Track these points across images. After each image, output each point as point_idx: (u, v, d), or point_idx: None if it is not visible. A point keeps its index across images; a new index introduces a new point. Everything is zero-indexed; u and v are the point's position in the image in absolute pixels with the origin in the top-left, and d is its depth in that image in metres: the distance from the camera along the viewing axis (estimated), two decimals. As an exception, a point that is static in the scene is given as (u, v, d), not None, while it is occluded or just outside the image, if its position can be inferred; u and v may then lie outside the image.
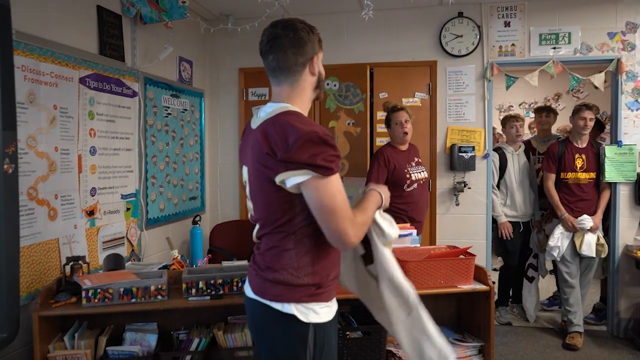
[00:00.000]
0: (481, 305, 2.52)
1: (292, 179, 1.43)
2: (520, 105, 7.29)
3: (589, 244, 3.89)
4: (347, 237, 1.44)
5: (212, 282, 2.30)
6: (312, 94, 1.64)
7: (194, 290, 2.30)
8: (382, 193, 1.69)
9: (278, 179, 1.44)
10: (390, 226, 1.72)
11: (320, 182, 1.42)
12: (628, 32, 3.97)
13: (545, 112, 4.75)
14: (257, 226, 1.61)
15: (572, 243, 3.96)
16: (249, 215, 1.66)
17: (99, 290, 2.18)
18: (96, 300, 2.19)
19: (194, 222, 3.23)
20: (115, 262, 2.56)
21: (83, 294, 2.19)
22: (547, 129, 4.76)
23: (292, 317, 1.49)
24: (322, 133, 1.44)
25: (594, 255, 3.92)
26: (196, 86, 4.38)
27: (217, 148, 4.66)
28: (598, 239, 3.93)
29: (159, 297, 2.25)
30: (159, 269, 2.78)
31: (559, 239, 3.95)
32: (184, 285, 2.29)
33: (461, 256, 2.56)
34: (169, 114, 3.90)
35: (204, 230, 4.37)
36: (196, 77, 4.38)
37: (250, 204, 1.62)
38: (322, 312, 1.54)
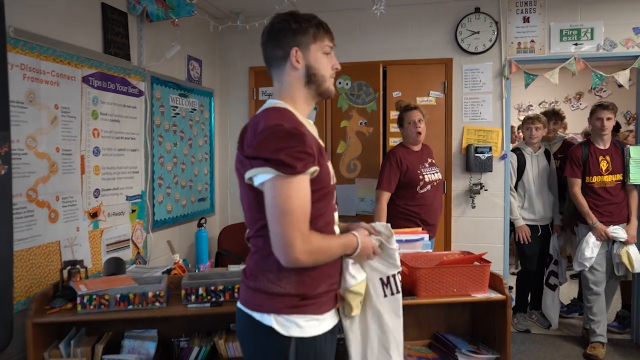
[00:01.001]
0: (497, 314, 2.38)
1: (257, 177, 1.34)
2: (540, 104, 7.08)
3: (639, 260, 3.69)
4: (292, 250, 1.30)
5: (212, 288, 2.21)
6: (306, 91, 1.50)
7: (193, 297, 2.21)
8: (360, 242, 1.51)
9: (246, 177, 1.37)
10: (352, 274, 1.56)
11: (279, 181, 1.31)
12: (655, 27, 3.79)
13: (553, 120, 4.54)
14: (247, 229, 1.53)
15: (608, 255, 3.77)
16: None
17: (94, 297, 2.11)
18: (92, 307, 2.12)
19: (200, 225, 3.14)
20: (115, 266, 2.48)
21: (78, 300, 2.11)
22: (553, 136, 4.58)
23: (271, 330, 1.38)
24: (290, 126, 1.33)
25: None
26: (205, 85, 4.30)
27: (227, 149, 4.58)
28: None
29: (157, 303, 2.16)
30: (163, 273, 2.71)
31: (592, 250, 3.75)
32: (183, 292, 2.20)
33: (476, 263, 2.42)
34: (177, 113, 3.83)
35: (213, 232, 4.30)
36: (205, 76, 4.31)
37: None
38: (306, 325, 1.40)
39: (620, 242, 3.70)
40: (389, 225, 1.70)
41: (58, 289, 2.30)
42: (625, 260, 3.67)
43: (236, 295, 2.25)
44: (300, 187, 1.32)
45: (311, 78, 1.49)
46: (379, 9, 3.17)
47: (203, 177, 4.29)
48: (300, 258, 1.31)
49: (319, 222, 1.43)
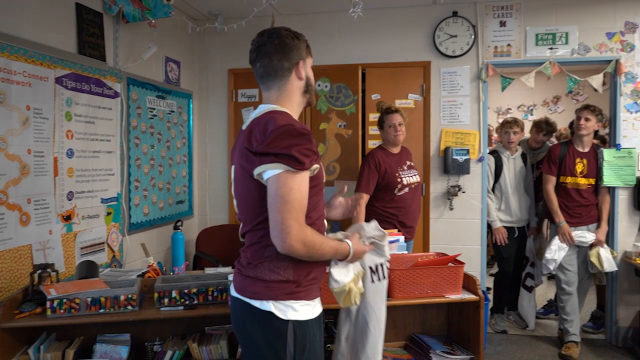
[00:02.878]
0: (471, 315, 2.40)
1: (267, 173, 1.45)
2: (518, 107, 7.17)
3: (609, 260, 3.76)
4: (288, 236, 1.42)
5: (185, 291, 2.19)
6: (301, 99, 1.68)
7: (166, 300, 2.18)
8: (352, 250, 1.68)
9: (255, 173, 1.47)
10: (335, 278, 1.72)
11: (285, 174, 1.43)
12: (627, 32, 3.86)
13: (543, 132, 4.58)
14: (241, 224, 1.63)
15: (579, 255, 3.85)
16: (236, 215, 1.69)
17: (64, 301, 2.07)
18: (62, 311, 2.08)
19: (176, 228, 3.11)
20: (88, 270, 2.45)
21: (48, 304, 2.07)
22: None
23: (271, 315, 1.51)
24: (299, 126, 1.47)
25: (616, 268, 3.80)
26: (184, 87, 4.27)
27: (206, 150, 4.55)
28: (611, 252, 3.81)
29: (129, 307, 2.13)
30: (138, 276, 2.68)
31: (555, 252, 3.82)
32: (155, 295, 2.18)
33: (450, 264, 2.44)
34: (155, 115, 3.80)
35: (192, 235, 4.27)
36: (184, 78, 4.28)
37: (235, 202, 1.66)
38: (301, 309, 1.54)
39: (591, 244, 3.79)
40: (378, 225, 1.90)
41: (28, 293, 2.26)
42: (594, 260, 3.75)
43: (210, 297, 2.23)
44: (302, 181, 1.46)
45: (308, 88, 1.69)
46: (356, 11, 3.18)
47: (181, 180, 4.25)
48: (295, 246, 1.43)
49: (313, 215, 1.57)
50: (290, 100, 1.64)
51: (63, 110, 2.82)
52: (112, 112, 3.27)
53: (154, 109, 3.78)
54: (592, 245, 3.80)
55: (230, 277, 2.19)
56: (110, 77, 3.24)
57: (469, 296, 2.33)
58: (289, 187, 1.43)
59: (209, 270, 2.85)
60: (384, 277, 1.91)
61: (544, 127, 4.54)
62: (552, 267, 3.84)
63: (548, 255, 3.84)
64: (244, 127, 1.63)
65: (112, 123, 3.27)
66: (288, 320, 1.51)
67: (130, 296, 2.13)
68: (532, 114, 7.11)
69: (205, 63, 4.51)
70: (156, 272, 2.57)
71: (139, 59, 3.44)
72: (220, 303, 2.23)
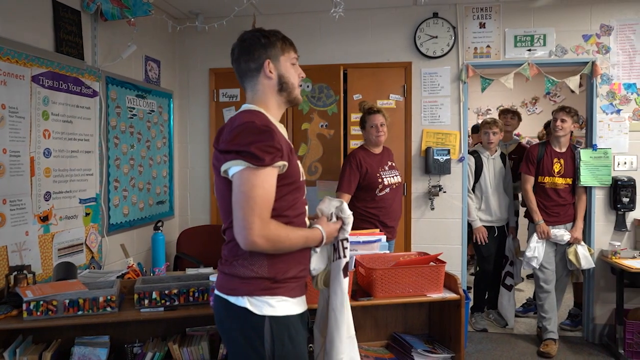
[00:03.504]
0: (452, 314, 2.42)
1: (231, 170, 1.47)
2: (497, 108, 7.23)
3: (586, 257, 3.83)
4: (250, 233, 1.42)
5: (166, 292, 2.16)
6: (278, 97, 1.67)
7: (146, 301, 2.16)
8: (325, 234, 1.66)
9: (222, 170, 1.50)
10: (317, 260, 1.73)
11: (247, 171, 1.44)
12: (602, 35, 3.93)
13: (510, 114, 4.71)
14: (223, 223, 1.65)
15: (557, 253, 3.91)
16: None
17: (41, 303, 2.03)
18: (39, 313, 2.04)
19: (156, 228, 3.08)
20: (65, 271, 2.40)
21: (24, 306, 2.03)
22: (510, 131, 4.71)
23: (246, 311, 1.51)
24: (260, 123, 1.49)
25: (594, 265, 3.87)
26: (164, 86, 4.23)
27: (187, 151, 4.51)
28: (588, 249, 3.88)
29: (108, 308, 2.10)
30: (117, 277, 2.64)
31: (535, 249, 3.89)
32: (135, 296, 2.15)
33: (431, 263, 2.46)
34: (134, 115, 3.75)
35: (173, 236, 4.23)
36: (164, 78, 4.24)
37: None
38: (278, 305, 1.54)
39: (568, 242, 3.87)
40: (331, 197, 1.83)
41: (3, 295, 2.21)
42: (572, 257, 3.82)
43: (191, 298, 2.21)
44: (265, 178, 1.45)
45: (283, 86, 1.66)
46: (337, 12, 3.18)
47: (162, 180, 4.21)
48: (257, 241, 1.44)
49: (291, 213, 1.58)
50: (264, 100, 1.65)
51: (40, 109, 2.77)
52: (90, 111, 3.22)
53: (133, 108, 3.74)
54: (570, 243, 3.87)
55: (212, 278, 2.18)
56: (89, 75, 3.19)
57: (450, 295, 2.35)
58: (252, 183, 1.44)
59: (190, 271, 2.83)
60: (344, 255, 1.77)
61: (508, 110, 4.78)
62: (534, 264, 3.89)
63: (528, 253, 3.90)
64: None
65: (90, 122, 3.22)
66: (264, 316, 1.51)
67: (109, 297, 2.10)
68: (511, 115, 7.19)
69: (186, 62, 4.47)
70: (136, 273, 2.54)
71: (118, 57, 3.40)
72: (201, 304, 2.21)
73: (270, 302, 1.53)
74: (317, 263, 1.73)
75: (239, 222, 1.44)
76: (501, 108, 5.18)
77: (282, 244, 1.52)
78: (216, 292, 1.61)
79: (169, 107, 4.31)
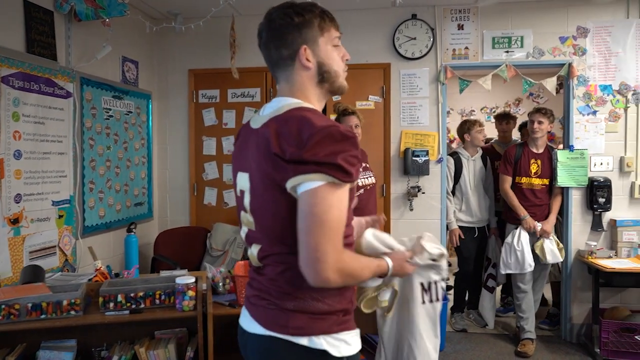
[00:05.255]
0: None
1: (304, 185, 1.15)
2: (481, 109, 7.30)
3: (552, 252, 3.85)
4: (325, 267, 1.14)
5: (132, 295, 2.15)
6: (318, 90, 1.35)
7: (112, 304, 2.14)
8: (391, 269, 1.40)
9: (289, 186, 1.17)
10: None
11: (324, 189, 1.14)
12: (579, 37, 3.96)
13: (505, 120, 4.73)
14: (258, 246, 1.32)
15: (532, 251, 3.93)
16: (243, 233, 1.38)
17: (3, 307, 2.01)
18: (0, 317, 2.02)
19: (129, 230, 3.06)
20: (32, 275, 2.38)
21: (-15, 310, 2.01)
22: (509, 135, 4.75)
23: (323, 353, 1.23)
24: (344, 129, 1.19)
25: (561, 259, 3.90)
26: (143, 87, 4.20)
27: (166, 152, 4.49)
28: (557, 243, 3.91)
29: (72, 312, 2.09)
30: (89, 280, 2.62)
31: (518, 243, 3.90)
32: (100, 299, 2.14)
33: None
34: (111, 116, 3.72)
35: (152, 237, 4.20)
36: (143, 78, 4.21)
37: (248, 218, 1.33)
38: (353, 342, 1.30)
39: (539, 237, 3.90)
40: (436, 242, 1.61)
41: (-34, 299, 2.19)
42: (538, 251, 3.85)
43: (157, 301, 2.20)
44: (343, 197, 1.18)
45: (324, 76, 1.34)
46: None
47: (140, 181, 4.18)
48: (331, 277, 1.16)
49: (347, 231, 1.28)
50: (303, 94, 1.33)
51: (10, 110, 2.74)
52: (64, 112, 3.19)
53: (110, 109, 3.71)
54: (538, 237, 3.89)
55: (179, 280, 2.16)
56: (62, 76, 3.17)
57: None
58: (328, 204, 1.14)
59: (164, 273, 2.81)
60: (438, 298, 1.59)
61: (504, 115, 4.76)
62: (529, 259, 3.85)
63: (518, 251, 3.88)
64: (254, 125, 1.34)
65: (64, 124, 3.20)
66: (341, 358, 1.25)
67: (73, 301, 2.08)
68: (494, 116, 7.25)
69: (165, 63, 4.45)
70: (104, 276, 2.52)
71: (93, 58, 3.37)
72: (167, 307, 2.20)
73: (347, 339, 1.28)
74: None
75: (309, 252, 1.15)
76: (496, 113, 5.19)
77: (354, 279, 1.26)
78: (267, 333, 1.27)
79: (148, 108, 4.29)
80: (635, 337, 3.57)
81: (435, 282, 1.59)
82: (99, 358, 2.28)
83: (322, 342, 1.23)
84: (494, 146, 4.75)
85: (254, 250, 1.33)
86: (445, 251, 1.60)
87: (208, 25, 3.68)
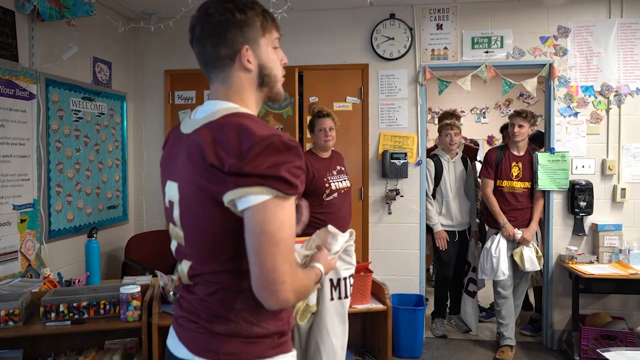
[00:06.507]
0: (380, 325, 2.34)
1: (245, 200, 1.06)
2: (471, 110, 7.20)
3: (531, 260, 3.77)
4: (282, 287, 1.06)
5: (75, 304, 2.08)
6: (256, 94, 1.26)
7: (53, 314, 2.07)
8: (323, 272, 1.33)
9: (227, 199, 1.07)
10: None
11: (272, 204, 1.06)
12: (560, 37, 3.87)
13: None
14: (188, 262, 1.21)
15: (511, 258, 3.84)
16: (173, 247, 1.27)
17: (-63, 317, 1.95)
18: None
19: (90, 236, 2.99)
20: (-21, 282, 2.31)
21: None
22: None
23: None
24: (287, 138, 1.09)
25: (539, 268, 3.82)
26: (117, 89, 4.14)
27: (142, 154, 4.42)
28: (536, 251, 3.82)
29: (11, 323, 2.02)
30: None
31: (496, 250, 3.81)
32: (41, 309, 2.06)
33: (362, 273, 2.38)
34: (80, 118, 3.66)
35: (126, 241, 4.13)
36: (117, 80, 4.14)
37: (177, 232, 1.22)
38: None
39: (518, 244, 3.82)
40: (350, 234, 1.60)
41: None
42: (517, 258, 3.77)
43: (102, 311, 2.13)
44: (291, 211, 1.10)
45: (264, 80, 1.25)
46: (279, 13, 3.10)
47: (114, 184, 4.11)
48: (289, 297, 1.08)
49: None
50: (241, 97, 1.23)
51: (-35, 112, 2.68)
52: (26, 114, 3.13)
53: (79, 111, 3.64)
54: (518, 244, 3.81)
55: (123, 290, 2.09)
56: (24, 77, 3.10)
57: (376, 306, 2.27)
58: (280, 220, 1.06)
59: (126, 280, 2.75)
60: (347, 295, 1.58)
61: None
62: (504, 267, 3.78)
63: (494, 258, 3.80)
64: (185, 129, 1.22)
65: (26, 126, 3.13)
66: None
67: (11, 311, 2.01)
68: (484, 117, 7.15)
69: (141, 64, 4.38)
70: (53, 284, 2.45)
71: (59, 59, 3.31)
72: (112, 317, 2.13)
73: None
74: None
75: (266, 274, 1.06)
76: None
77: (304, 295, 1.18)
78: (191, 357, 1.17)
79: (122, 110, 4.22)
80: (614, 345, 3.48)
81: (345, 279, 1.56)
82: (45, 369, 2.21)
83: None
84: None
85: (184, 267, 1.22)
86: (353, 234, 1.57)
87: (184, 26, 3.60)
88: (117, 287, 2.27)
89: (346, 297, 1.58)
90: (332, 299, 1.58)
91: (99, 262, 2.98)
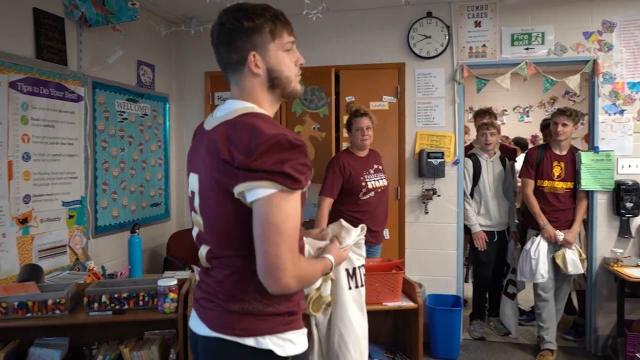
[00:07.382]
0: (411, 323, 2.34)
1: (253, 192, 1.17)
2: (514, 109, 7.04)
3: (574, 262, 3.66)
4: (284, 274, 1.17)
5: (116, 296, 2.18)
6: (269, 95, 1.36)
7: (96, 305, 2.18)
8: (334, 263, 1.43)
9: (237, 191, 1.19)
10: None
11: (278, 197, 1.17)
12: (605, 32, 3.74)
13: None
14: (206, 247, 1.33)
15: (552, 260, 3.74)
16: (194, 233, 1.39)
17: (-9, 304, 2.09)
18: (-11, 315, 2.10)
19: (132, 232, 3.12)
20: (30, 273, 2.46)
21: (-25, 307, 2.09)
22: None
23: (269, 353, 1.26)
24: (292, 137, 1.20)
25: (582, 271, 3.70)
26: (159, 90, 4.28)
27: (183, 153, 4.55)
28: (579, 254, 3.71)
29: (57, 311, 2.14)
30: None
31: (535, 251, 3.72)
32: (85, 299, 2.18)
33: (393, 270, 2.39)
34: (125, 118, 3.81)
35: (167, 238, 4.27)
36: (159, 81, 4.29)
37: (198, 219, 1.34)
38: (299, 341, 1.32)
39: (561, 246, 3.71)
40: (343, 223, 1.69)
41: (-38, 296, 2.28)
42: (559, 261, 3.65)
43: (141, 302, 2.22)
44: (297, 204, 1.21)
45: (274, 82, 1.35)
46: (313, 13, 3.14)
47: (157, 182, 4.26)
48: (290, 284, 1.19)
49: (301, 242, 1.35)
50: (255, 98, 1.33)
51: (18, 114, 2.84)
52: (74, 115, 3.29)
53: (124, 112, 3.80)
54: (560, 246, 3.70)
55: (161, 283, 2.18)
56: (73, 81, 3.26)
57: (407, 304, 2.27)
58: (285, 212, 1.17)
59: (167, 274, 2.85)
60: (363, 284, 1.67)
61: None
62: (543, 269, 3.69)
63: (533, 260, 3.71)
64: (207, 126, 1.34)
65: (74, 126, 3.29)
66: (287, 357, 1.28)
67: (58, 300, 2.13)
68: (528, 116, 6.98)
69: (182, 66, 4.52)
70: (96, 276, 2.57)
71: (105, 62, 3.46)
72: (151, 308, 2.22)
73: (293, 339, 1.30)
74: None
75: (269, 260, 1.17)
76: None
77: (309, 283, 1.30)
78: (214, 334, 1.29)
79: (165, 111, 4.36)
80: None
81: (359, 268, 1.65)
82: (89, 356, 2.32)
83: (267, 342, 1.26)
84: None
85: (202, 252, 1.34)
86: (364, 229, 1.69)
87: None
88: (155, 280, 2.36)
89: (362, 285, 1.67)
90: (350, 287, 1.67)
91: (141, 257, 3.10)
